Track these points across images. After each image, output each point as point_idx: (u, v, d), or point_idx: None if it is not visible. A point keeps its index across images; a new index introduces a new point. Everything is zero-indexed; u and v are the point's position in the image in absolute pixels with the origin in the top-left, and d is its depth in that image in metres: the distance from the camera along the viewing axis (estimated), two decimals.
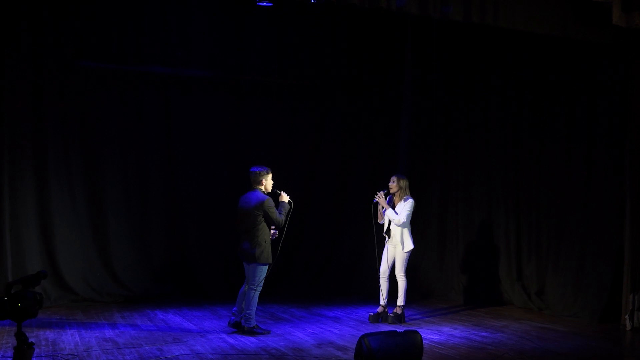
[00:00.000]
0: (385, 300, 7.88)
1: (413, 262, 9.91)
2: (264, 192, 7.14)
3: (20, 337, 3.37)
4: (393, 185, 7.81)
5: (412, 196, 7.88)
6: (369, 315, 7.92)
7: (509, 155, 9.26)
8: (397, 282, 7.88)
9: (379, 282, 7.94)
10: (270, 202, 7.04)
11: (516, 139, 9.17)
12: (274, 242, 7.23)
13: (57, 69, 8.74)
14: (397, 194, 7.81)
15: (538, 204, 8.87)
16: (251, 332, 7.06)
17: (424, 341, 5.97)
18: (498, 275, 9.29)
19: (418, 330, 6.02)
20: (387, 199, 7.82)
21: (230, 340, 6.83)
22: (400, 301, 7.83)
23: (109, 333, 7.05)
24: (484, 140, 9.61)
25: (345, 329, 7.52)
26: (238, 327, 7.16)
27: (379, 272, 7.92)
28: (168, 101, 9.53)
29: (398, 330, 5.87)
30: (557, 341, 6.98)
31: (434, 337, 7.07)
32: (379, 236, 7.92)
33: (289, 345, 6.64)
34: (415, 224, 10.06)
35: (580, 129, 8.34)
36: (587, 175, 8.24)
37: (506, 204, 9.27)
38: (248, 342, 6.76)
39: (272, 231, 7.16)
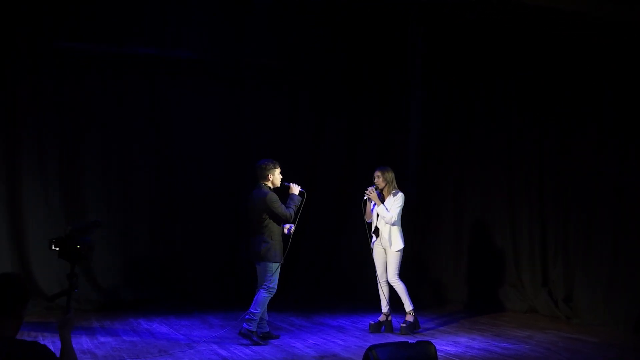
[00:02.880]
0: (388, 307, 7.82)
1: (426, 264, 9.88)
2: (270, 187, 7.18)
3: (72, 278, 3.81)
4: (379, 180, 7.79)
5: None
6: (370, 324, 7.88)
7: (532, 148, 9.22)
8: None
9: (377, 288, 7.88)
10: (272, 197, 7.06)
11: (540, 130, 9.12)
12: (284, 239, 7.25)
13: (31, 50, 8.71)
14: (386, 189, 7.75)
15: (565, 201, 8.82)
16: (247, 335, 7.06)
17: (438, 353, 5.88)
18: (521, 280, 9.24)
19: (432, 340, 5.95)
20: (377, 195, 7.76)
21: (222, 352, 6.78)
22: (408, 306, 7.75)
23: (87, 344, 7.00)
24: (504, 131, 9.58)
25: (350, 339, 7.47)
26: (268, 337, 7.27)
27: (376, 276, 7.85)
28: (154, 86, 9.54)
29: (410, 341, 5.78)
30: (588, 353, 6.92)
31: (449, 349, 7.01)
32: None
33: (287, 358, 6.59)
34: (429, 224, 10.05)
35: (612, 118, 8.27)
36: (620, 169, 8.17)
37: (529, 201, 9.22)
38: (242, 354, 6.71)
39: (288, 225, 7.24)
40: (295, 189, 7.31)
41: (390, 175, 7.78)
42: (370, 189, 7.73)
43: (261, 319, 7.25)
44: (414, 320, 7.76)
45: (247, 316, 7.10)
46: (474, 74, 9.96)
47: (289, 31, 9.88)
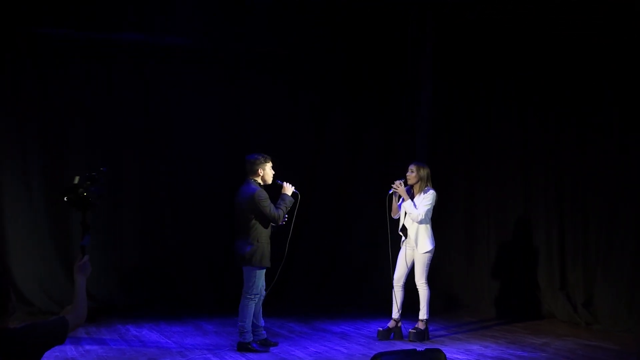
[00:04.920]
0: (399, 313, 7.80)
1: (435, 267, 9.86)
2: (260, 184, 7.07)
3: (84, 226, 4.13)
4: (412, 175, 7.72)
5: (434, 188, 7.78)
6: (378, 330, 7.85)
7: (549, 141, 9.18)
8: (416, 292, 7.79)
9: (392, 291, 7.85)
10: (261, 194, 6.95)
11: (558, 122, 9.08)
12: (280, 241, 7.16)
13: (10, 37, 8.67)
14: (417, 186, 7.71)
15: (584, 198, 8.78)
16: (245, 348, 7.00)
17: None
18: (537, 282, 9.22)
19: (442, 348, 5.94)
20: (406, 190, 7.72)
21: None
22: (423, 314, 7.74)
23: (71, 352, 6.99)
24: (519, 123, 9.55)
25: (354, 347, 7.45)
26: (267, 345, 7.20)
27: (393, 278, 7.83)
28: (144, 76, 9.53)
29: (418, 348, 5.76)
30: None
31: (460, 357, 7.00)
32: (394, 234, 7.82)
33: None
34: (438, 222, 10.02)
35: (635, 109, 8.22)
36: None
37: (546, 198, 9.19)
38: None
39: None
40: (289, 189, 7.19)
41: (425, 172, 7.73)
42: (397, 182, 7.69)
43: (257, 326, 7.21)
44: (424, 329, 7.75)
45: (238, 329, 7.05)
46: (478, 74, 9.97)
47: (288, 31, 9.96)
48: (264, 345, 7.20)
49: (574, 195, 8.90)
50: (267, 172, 7.11)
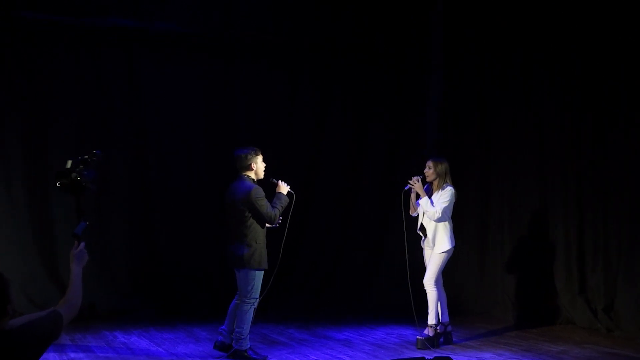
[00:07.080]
0: (447, 317, 7.86)
1: (445, 268, 9.86)
2: (254, 180, 7.02)
3: (79, 211, 4.21)
4: (429, 172, 7.75)
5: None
6: (417, 339, 7.77)
7: (567, 132, 9.17)
8: (438, 295, 7.79)
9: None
10: (258, 192, 6.90)
11: (576, 111, 9.07)
12: (275, 244, 7.13)
13: None
14: (435, 182, 7.71)
15: (606, 195, 8.78)
16: (242, 356, 6.96)
17: None
18: (554, 286, 9.22)
19: (452, 356, 5.93)
20: (424, 188, 7.71)
21: None
22: (431, 319, 7.73)
23: None
24: (535, 113, 9.55)
25: (358, 355, 7.43)
26: (227, 351, 7.07)
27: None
28: (134, 64, 9.54)
29: (427, 357, 5.76)
30: None
31: None
32: (410, 233, 7.80)
33: None
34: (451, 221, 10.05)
35: None
36: None
37: (565, 195, 9.19)
38: None
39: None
40: (284, 188, 7.15)
41: (443, 167, 7.74)
42: (415, 178, 7.69)
43: (227, 329, 7.11)
44: (434, 335, 7.73)
45: (234, 335, 7.00)
46: (489, 63, 10.00)
47: (286, 16, 10.00)
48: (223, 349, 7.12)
49: (594, 191, 8.89)
50: (259, 166, 7.08)
